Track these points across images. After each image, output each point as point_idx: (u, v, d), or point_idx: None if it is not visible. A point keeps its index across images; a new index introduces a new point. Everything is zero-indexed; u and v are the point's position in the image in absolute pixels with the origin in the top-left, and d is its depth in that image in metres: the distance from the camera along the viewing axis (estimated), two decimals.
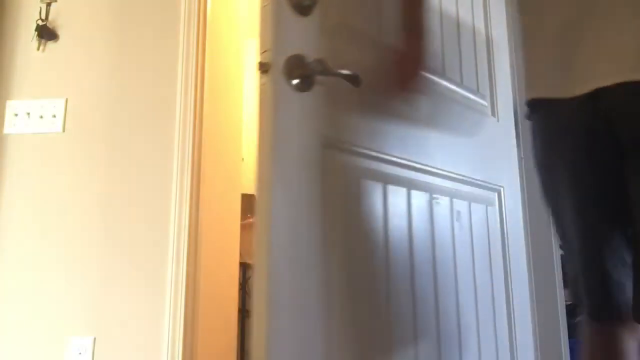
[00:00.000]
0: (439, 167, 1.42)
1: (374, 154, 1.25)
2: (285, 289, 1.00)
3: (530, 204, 1.92)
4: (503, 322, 1.54)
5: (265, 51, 1.06)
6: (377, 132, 1.26)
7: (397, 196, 1.29)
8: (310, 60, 1.08)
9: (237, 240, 2.85)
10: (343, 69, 1.10)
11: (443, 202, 1.42)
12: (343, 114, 1.20)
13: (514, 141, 1.79)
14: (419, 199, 1.35)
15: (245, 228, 4.33)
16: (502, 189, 1.65)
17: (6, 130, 2.07)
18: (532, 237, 1.90)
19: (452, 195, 1.46)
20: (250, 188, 4.55)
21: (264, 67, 1.05)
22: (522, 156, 1.86)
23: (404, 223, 1.29)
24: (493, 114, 1.70)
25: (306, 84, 1.09)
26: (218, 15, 2.46)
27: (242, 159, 3.28)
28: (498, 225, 1.62)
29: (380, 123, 1.28)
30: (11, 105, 2.09)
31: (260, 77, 1.06)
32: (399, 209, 1.29)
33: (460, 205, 1.48)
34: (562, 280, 1.95)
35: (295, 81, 1.07)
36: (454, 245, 1.42)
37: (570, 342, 1.91)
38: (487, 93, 1.69)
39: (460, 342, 1.37)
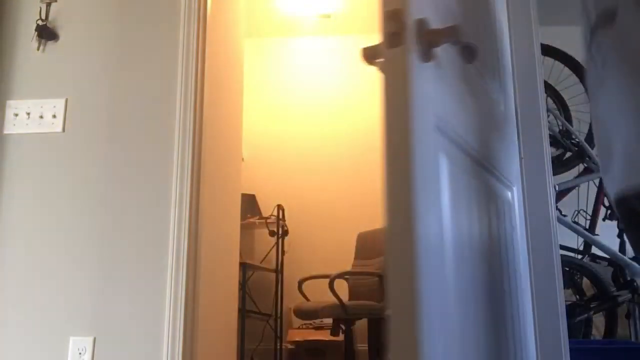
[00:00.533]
0: (495, 166, 1.37)
1: (470, 150, 1.16)
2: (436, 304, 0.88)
3: (530, 204, 1.92)
4: (512, 326, 1.54)
5: (392, 10, 0.89)
6: (471, 124, 1.18)
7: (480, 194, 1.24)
8: (437, 27, 0.94)
9: (237, 240, 2.85)
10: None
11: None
12: (453, 94, 1.08)
13: (517, 141, 1.78)
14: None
15: (245, 228, 4.33)
16: (515, 188, 1.63)
17: (6, 130, 2.07)
18: (532, 237, 1.90)
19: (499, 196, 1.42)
20: (250, 188, 4.56)
21: (394, 28, 0.87)
22: (522, 156, 1.86)
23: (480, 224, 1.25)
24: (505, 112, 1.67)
25: (428, 54, 0.94)
26: (218, 15, 2.46)
27: (242, 159, 3.29)
28: (512, 225, 1.60)
29: (476, 111, 1.19)
30: (11, 105, 2.09)
31: (389, 40, 0.89)
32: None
33: (501, 205, 1.44)
34: (562, 281, 1.95)
35: (423, 49, 0.93)
36: (500, 249, 1.39)
37: (570, 342, 1.91)
38: (503, 90, 1.66)
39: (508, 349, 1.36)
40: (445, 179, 1.02)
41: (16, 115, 2.08)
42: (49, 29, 2.12)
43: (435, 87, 0.99)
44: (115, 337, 1.87)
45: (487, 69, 1.45)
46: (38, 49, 2.13)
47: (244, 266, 3.37)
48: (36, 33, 2.12)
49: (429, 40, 0.92)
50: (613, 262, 3.33)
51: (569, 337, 1.92)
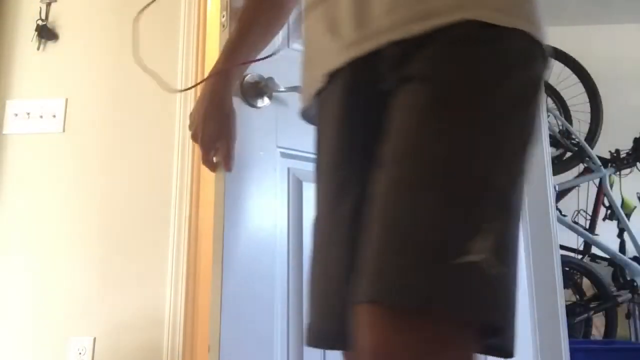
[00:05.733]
0: None
1: None
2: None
3: (530, 204, 1.92)
4: None
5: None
6: None
7: None
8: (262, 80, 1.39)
9: None
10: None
11: None
12: (295, 125, 1.28)
13: None
14: None
15: None
16: None
17: (6, 130, 2.07)
18: (532, 237, 1.91)
19: None
20: None
21: None
22: None
23: None
24: None
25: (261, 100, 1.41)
26: (218, 15, 2.46)
27: None
28: None
29: None
30: (11, 105, 2.09)
31: None
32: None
33: None
34: (562, 281, 1.95)
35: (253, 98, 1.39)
36: None
37: (570, 342, 1.91)
38: None
39: None
40: None
41: (16, 115, 2.08)
42: (49, 29, 2.12)
43: (279, 123, 1.51)
44: (115, 337, 1.87)
45: None
46: (38, 48, 2.13)
47: None
48: (36, 33, 2.12)
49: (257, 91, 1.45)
50: (613, 262, 3.33)
51: (569, 337, 1.92)
